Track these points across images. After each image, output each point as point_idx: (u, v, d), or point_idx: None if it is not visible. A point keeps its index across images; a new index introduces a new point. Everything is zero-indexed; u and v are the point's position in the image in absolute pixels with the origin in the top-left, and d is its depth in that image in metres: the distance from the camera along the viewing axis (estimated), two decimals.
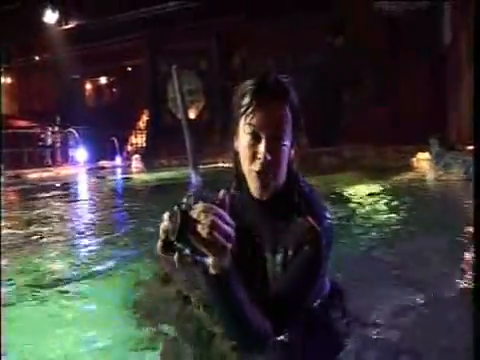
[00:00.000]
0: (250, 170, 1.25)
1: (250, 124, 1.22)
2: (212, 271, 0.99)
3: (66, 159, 15.90)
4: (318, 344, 1.42)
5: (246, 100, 1.23)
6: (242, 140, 1.26)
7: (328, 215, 1.29)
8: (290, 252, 1.24)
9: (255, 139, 1.23)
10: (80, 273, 2.99)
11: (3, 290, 2.52)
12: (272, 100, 1.22)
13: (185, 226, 0.95)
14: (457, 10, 11.06)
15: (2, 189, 8.08)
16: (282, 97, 1.24)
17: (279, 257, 1.27)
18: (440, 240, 3.20)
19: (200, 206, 0.96)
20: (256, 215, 1.30)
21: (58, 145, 16.19)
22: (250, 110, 1.22)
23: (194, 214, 0.95)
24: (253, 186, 1.26)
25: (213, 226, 0.93)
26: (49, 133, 15.92)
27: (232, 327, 1.13)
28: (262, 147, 1.21)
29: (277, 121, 1.23)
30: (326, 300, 1.47)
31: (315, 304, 1.36)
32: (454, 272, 2.52)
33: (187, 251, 0.97)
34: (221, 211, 0.96)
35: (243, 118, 1.24)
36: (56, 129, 16.49)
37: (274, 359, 1.28)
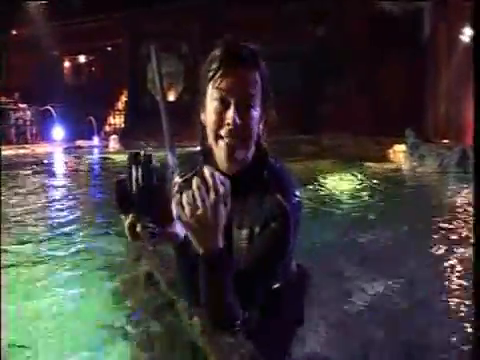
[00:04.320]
0: (218, 140, 1.21)
1: (218, 88, 1.18)
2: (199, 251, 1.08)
3: (40, 137, 15.46)
4: (280, 324, 1.39)
5: (214, 65, 1.19)
6: (209, 107, 1.22)
7: (297, 192, 1.27)
8: (257, 228, 1.21)
9: (223, 105, 1.18)
10: None
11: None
12: (241, 64, 1.18)
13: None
14: (438, 5, 11.15)
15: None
16: (252, 62, 1.20)
17: (244, 232, 1.24)
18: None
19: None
20: None
21: (20, 122, 15.53)
22: (218, 74, 1.18)
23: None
24: (220, 159, 1.23)
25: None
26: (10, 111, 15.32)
27: (210, 307, 1.15)
28: (231, 112, 1.17)
29: (247, 86, 1.19)
30: (291, 280, 1.44)
31: (280, 284, 1.33)
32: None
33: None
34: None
35: (211, 84, 1.20)
36: (16, 106, 15.84)
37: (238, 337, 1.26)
